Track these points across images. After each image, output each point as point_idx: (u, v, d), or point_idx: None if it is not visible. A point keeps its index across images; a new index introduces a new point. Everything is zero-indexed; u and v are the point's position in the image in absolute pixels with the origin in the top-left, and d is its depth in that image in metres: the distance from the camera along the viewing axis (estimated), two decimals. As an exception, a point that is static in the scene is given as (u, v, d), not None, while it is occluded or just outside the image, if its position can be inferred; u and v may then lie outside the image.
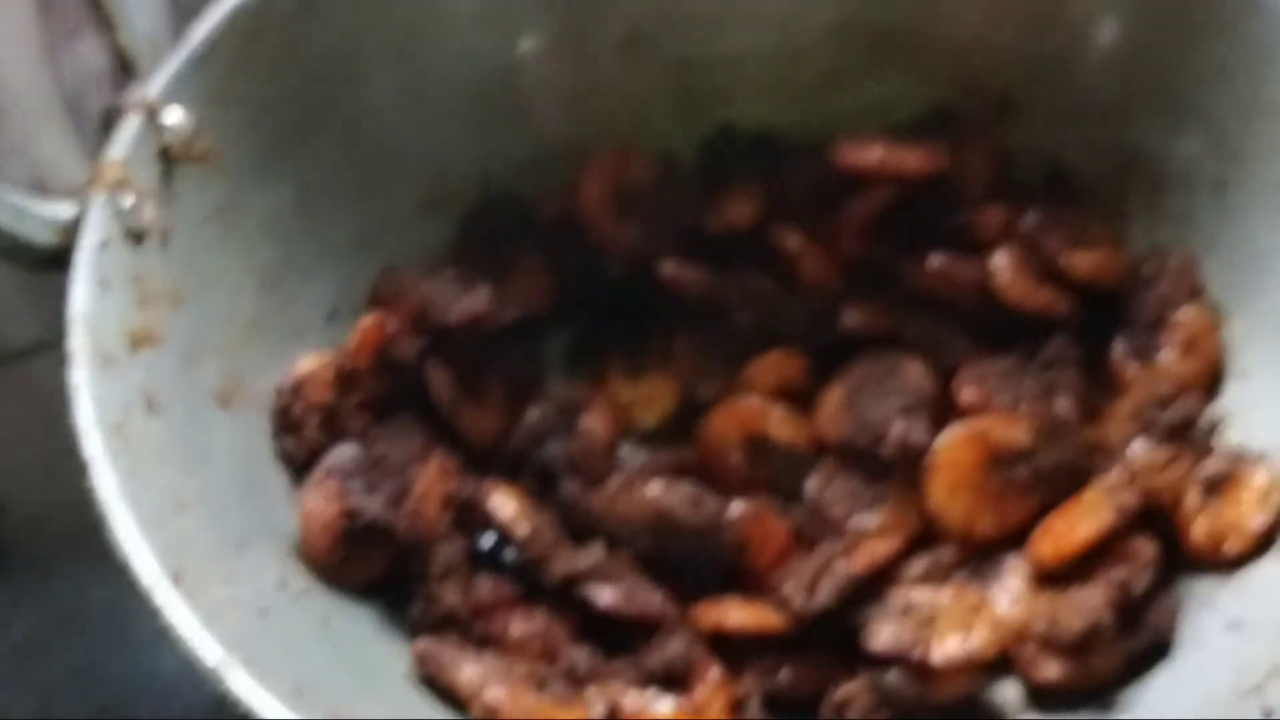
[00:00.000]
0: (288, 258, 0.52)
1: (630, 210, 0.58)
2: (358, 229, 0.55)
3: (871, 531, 0.49)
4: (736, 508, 0.49)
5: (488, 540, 0.48)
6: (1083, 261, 0.53)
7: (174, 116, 0.48)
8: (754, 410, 0.53)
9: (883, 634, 0.44)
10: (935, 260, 0.54)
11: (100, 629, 0.56)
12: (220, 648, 0.36)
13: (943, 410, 0.52)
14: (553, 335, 0.58)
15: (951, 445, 0.49)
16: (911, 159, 0.54)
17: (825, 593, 0.46)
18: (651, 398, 0.57)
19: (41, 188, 0.57)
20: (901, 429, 0.50)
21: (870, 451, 0.51)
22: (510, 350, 0.56)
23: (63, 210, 0.44)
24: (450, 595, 0.46)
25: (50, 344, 0.68)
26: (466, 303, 0.52)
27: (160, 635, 0.55)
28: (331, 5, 0.53)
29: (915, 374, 0.52)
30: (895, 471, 0.50)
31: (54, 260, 0.44)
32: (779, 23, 0.59)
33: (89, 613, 0.57)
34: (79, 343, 0.41)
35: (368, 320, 0.50)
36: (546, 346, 0.58)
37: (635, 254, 0.57)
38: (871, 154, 0.54)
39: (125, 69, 0.48)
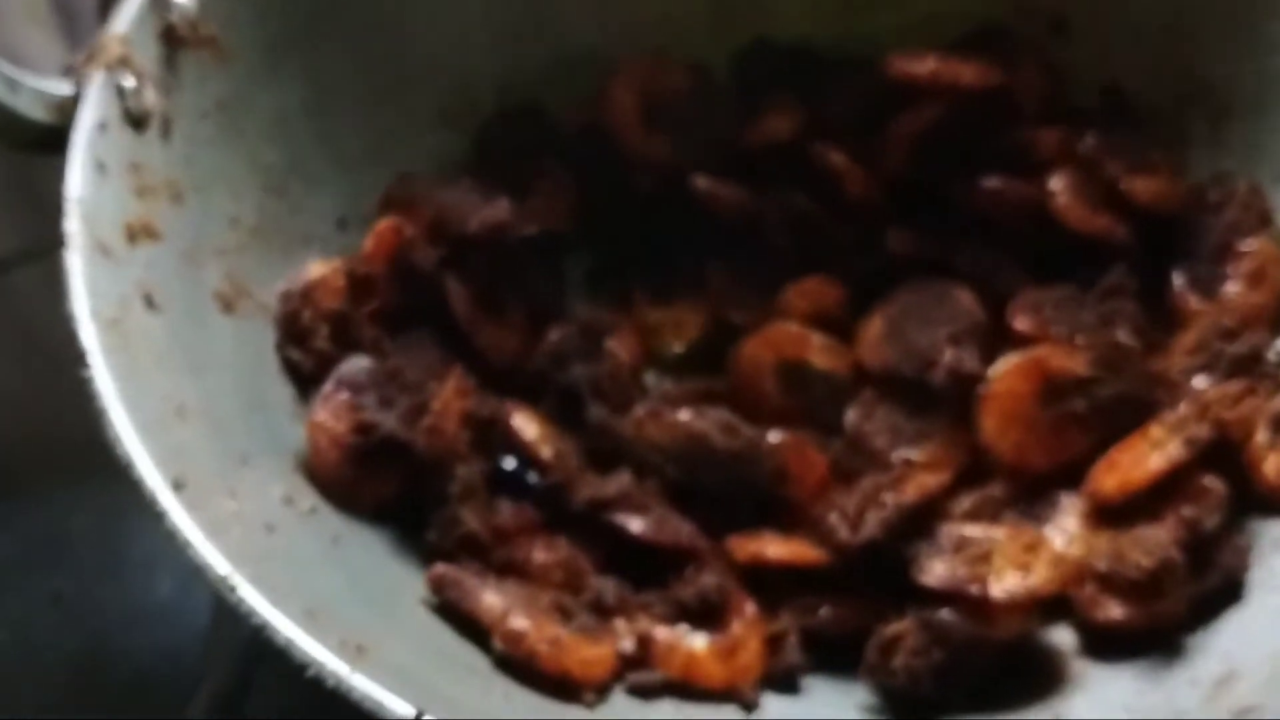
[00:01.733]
0: (294, 161, 0.49)
1: (661, 122, 0.55)
2: (370, 136, 0.52)
3: (919, 464, 0.46)
4: (775, 436, 0.46)
5: (509, 463, 0.45)
6: (1144, 186, 0.50)
7: (180, -5, 0.44)
8: (791, 336, 0.50)
9: (936, 569, 0.41)
10: (990, 181, 0.50)
11: (84, 556, 0.53)
12: (227, 561, 0.33)
13: (995, 340, 0.49)
14: (576, 255, 0.55)
15: (1006, 374, 0.46)
16: (967, 72, 0.51)
17: (872, 525, 0.43)
18: (680, 322, 0.53)
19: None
20: (953, 356, 0.47)
21: (917, 380, 0.48)
22: (531, 267, 0.52)
23: (59, 87, 0.40)
24: (470, 518, 0.42)
25: (29, 254, 0.65)
26: (487, 212, 0.49)
27: (150, 562, 0.53)
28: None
29: (966, 301, 0.49)
30: (943, 402, 0.47)
31: (47, 141, 0.40)
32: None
33: (72, 539, 0.54)
34: (75, 227, 0.38)
35: (384, 223, 0.47)
36: (569, 266, 0.55)
37: (665, 169, 0.54)
38: (924, 65, 0.51)
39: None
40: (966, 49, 0.54)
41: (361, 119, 0.51)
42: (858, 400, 0.49)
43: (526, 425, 0.45)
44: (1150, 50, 0.54)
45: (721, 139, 0.55)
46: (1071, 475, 0.46)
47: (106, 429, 0.35)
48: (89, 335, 0.36)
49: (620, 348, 0.51)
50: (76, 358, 0.36)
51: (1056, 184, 0.50)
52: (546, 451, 0.45)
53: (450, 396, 0.44)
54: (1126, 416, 0.46)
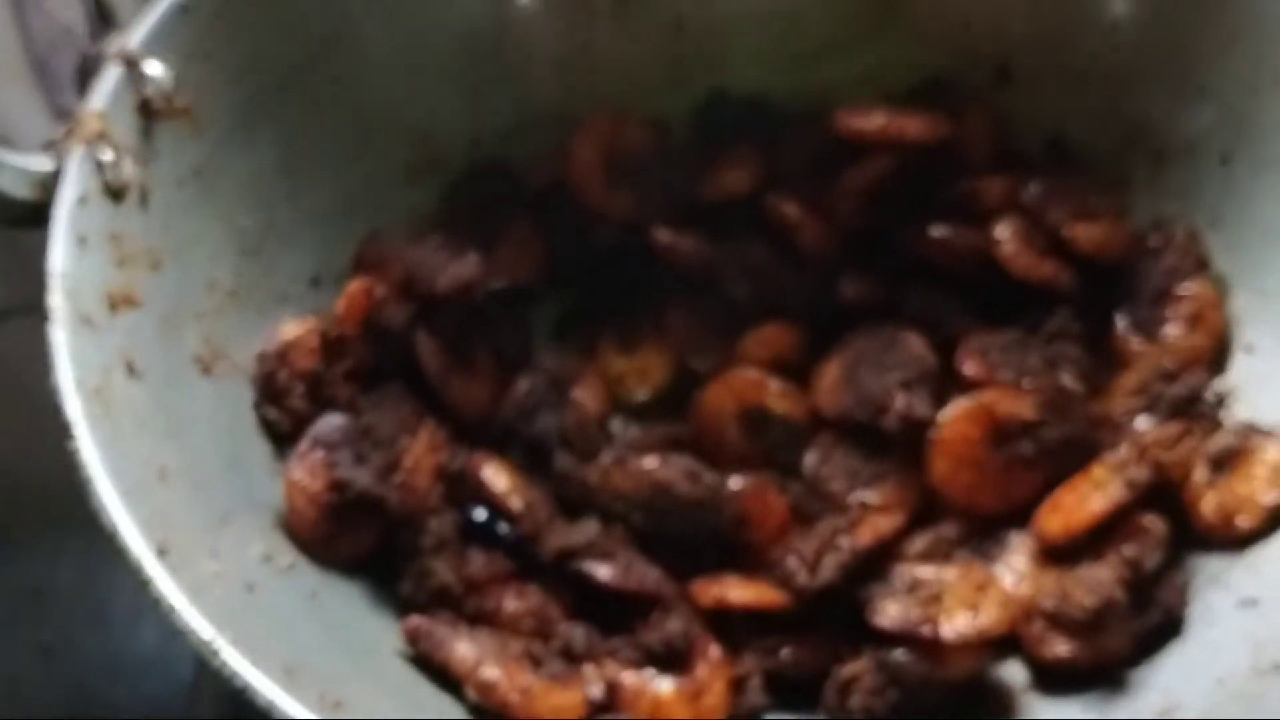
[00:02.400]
0: (269, 223, 0.50)
1: (623, 177, 0.57)
2: (341, 194, 0.53)
3: (874, 507, 0.48)
4: (736, 481, 0.48)
5: (480, 514, 0.46)
6: (1086, 233, 0.52)
7: (154, 69, 0.45)
8: (751, 382, 0.52)
9: (890, 610, 0.43)
10: (937, 229, 0.52)
11: (70, 607, 0.54)
12: (210, 625, 0.34)
13: (944, 384, 0.51)
14: (541, 305, 0.57)
15: (955, 419, 0.48)
16: (913, 125, 0.53)
17: (829, 569, 0.45)
18: (644, 370, 0.55)
19: (6, 145, 0.54)
20: (904, 402, 0.49)
21: (870, 425, 0.50)
22: (498, 320, 0.54)
23: (40, 163, 0.42)
24: (442, 570, 0.44)
25: (15, 310, 0.66)
26: (455, 269, 0.50)
27: (134, 613, 0.54)
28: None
29: (916, 346, 0.51)
30: (896, 446, 0.49)
31: (30, 216, 0.42)
32: (773, -14, 0.58)
33: (58, 590, 0.55)
34: (58, 301, 0.39)
35: (355, 285, 0.49)
36: (535, 316, 0.57)
37: (627, 222, 0.56)
38: (873, 120, 0.53)
39: (103, 19, 0.46)
40: (913, 101, 0.56)
41: (331, 178, 0.53)
42: (815, 444, 0.51)
43: (496, 477, 0.47)
44: (1091, 97, 0.56)
45: (681, 192, 0.56)
46: (1019, 513, 0.48)
47: (91, 498, 0.36)
48: (74, 407, 0.37)
49: (586, 397, 0.53)
50: (61, 424, 0.38)
51: (1002, 232, 0.52)
52: (516, 502, 0.47)
53: (422, 452, 0.46)
54: (1072, 458, 0.48)
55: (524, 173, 0.57)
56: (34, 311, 0.66)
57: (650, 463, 0.48)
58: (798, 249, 0.54)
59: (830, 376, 0.52)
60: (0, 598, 0.55)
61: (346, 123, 0.53)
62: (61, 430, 0.37)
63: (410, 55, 0.54)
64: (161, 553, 0.36)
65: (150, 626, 0.53)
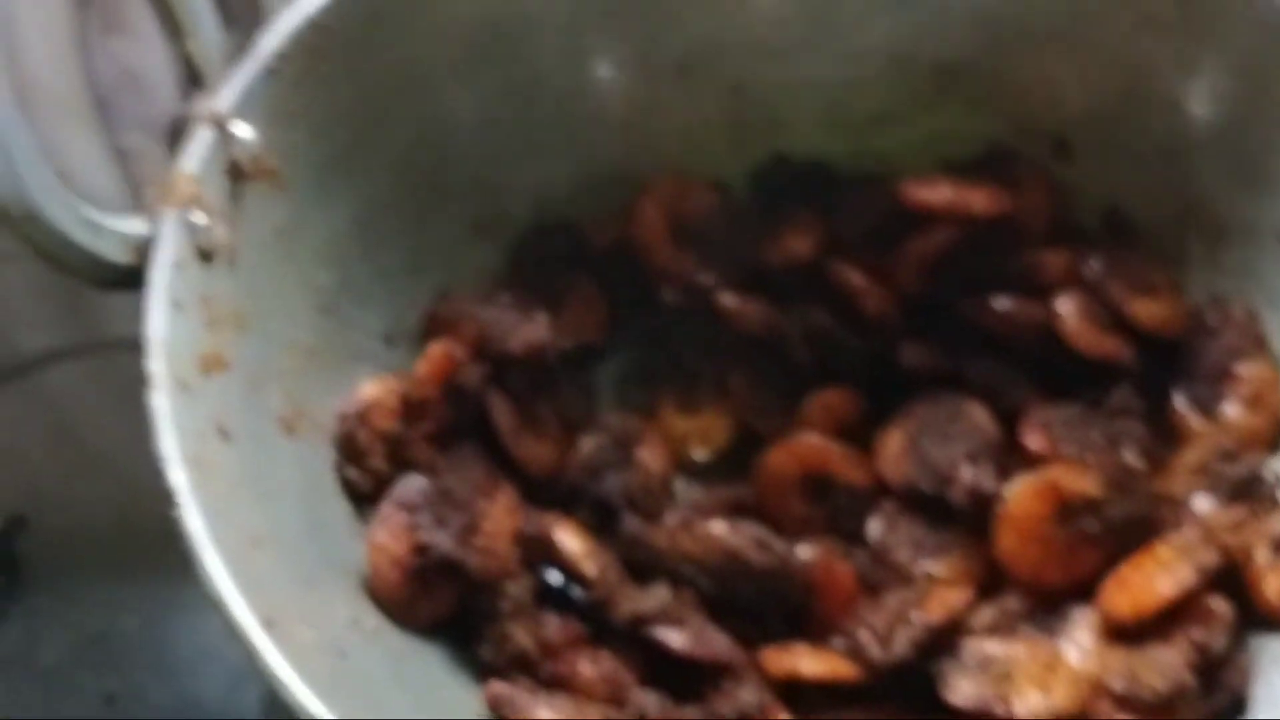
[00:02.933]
0: (344, 281, 0.51)
1: (687, 239, 0.57)
2: (411, 251, 0.54)
3: (941, 579, 0.49)
4: (804, 551, 0.48)
5: (555, 577, 0.47)
6: (1146, 310, 0.53)
7: (244, 131, 0.46)
8: (815, 448, 0.53)
9: (964, 688, 0.44)
10: (1000, 301, 0.53)
11: (133, 655, 0.55)
12: (319, 699, 0.35)
13: (1007, 455, 0.51)
14: (603, 363, 0.57)
15: (1022, 495, 0.49)
16: (978, 200, 0.54)
17: (902, 644, 0.46)
18: (705, 431, 0.56)
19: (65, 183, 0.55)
20: (971, 475, 0.49)
21: (935, 496, 0.50)
22: (562, 378, 0.55)
23: (135, 226, 0.43)
24: (520, 635, 0.45)
25: (65, 352, 0.66)
26: (527, 331, 0.51)
27: (197, 660, 0.55)
28: (399, 21, 0.51)
29: (980, 417, 0.52)
30: (961, 517, 0.50)
31: (124, 279, 0.42)
32: (837, 53, 0.58)
33: (120, 637, 0.55)
34: (158, 367, 0.40)
35: (436, 348, 0.49)
36: (597, 375, 0.57)
37: (691, 284, 0.56)
38: (939, 192, 0.54)
39: (193, 79, 0.47)
40: (975, 172, 0.57)
41: (403, 235, 0.53)
42: (879, 512, 0.52)
43: (570, 540, 0.48)
44: (1149, 173, 0.56)
45: (743, 254, 0.57)
46: (1082, 588, 0.49)
47: (197, 569, 0.37)
48: (178, 476, 0.38)
49: (650, 457, 0.54)
50: (164, 492, 0.38)
51: (1064, 307, 0.52)
52: (590, 567, 0.47)
53: (501, 515, 0.47)
54: (1135, 535, 0.48)
55: (588, 232, 0.58)
56: (84, 354, 0.67)
57: (719, 529, 0.49)
58: (860, 315, 0.55)
59: (894, 445, 0.52)
60: (63, 645, 0.55)
61: (419, 181, 0.54)
62: (164, 498, 0.38)
63: (480, 116, 0.55)
64: (269, 624, 0.36)
65: (215, 673, 0.54)
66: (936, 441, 0.51)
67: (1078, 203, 0.58)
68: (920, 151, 0.58)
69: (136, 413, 0.64)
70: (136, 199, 0.71)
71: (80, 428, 0.64)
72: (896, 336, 0.55)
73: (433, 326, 0.52)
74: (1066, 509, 0.49)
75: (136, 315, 0.64)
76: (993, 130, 0.58)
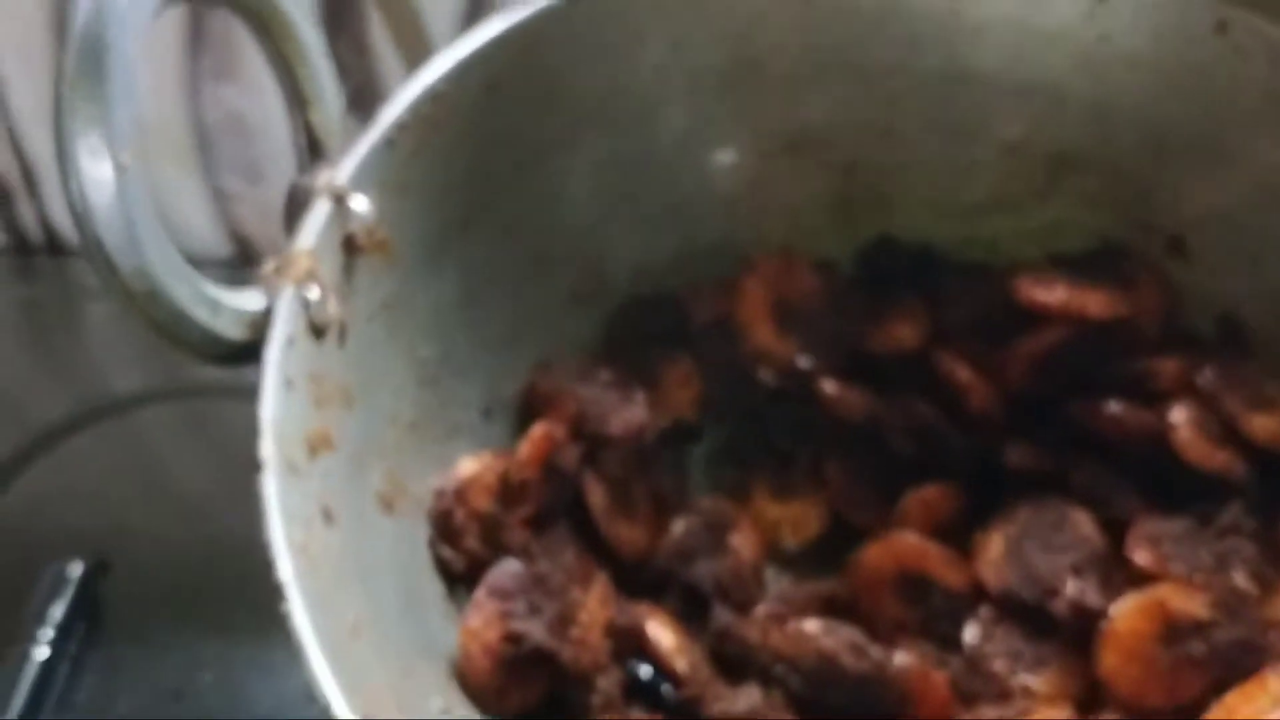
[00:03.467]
0: (446, 353, 0.51)
1: (789, 320, 0.56)
2: (511, 322, 0.53)
3: (1040, 694, 0.47)
4: (900, 658, 0.47)
5: (646, 672, 0.46)
6: (1263, 425, 0.51)
7: (360, 204, 0.46)
8: (913, 548, 0.52)
9: (1063, 813, 0.43)
10: (1112, 406, 0.52)
11: (210, 710, 0.54)
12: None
13: (1112, 566, 0.50)
14: (695, 442, 0.57)
15: (1129, 612, 0.47)
16: (1094, 303, 0.53)
17: (1001, 763, 0.44)
18: (798, 519, 0.55)
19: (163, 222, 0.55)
20: (1075, 589, 0.48)
21: (1036, 606, 0.49)
22: (655, 457, 0.54)
23: (251, 302, 0.42)
24: (617, 735, 0.44)
25: (153, 395, 0.67)
26: (627, 413, 0.51)
27: (274, 716, 0.54)
28: (515, 92, 0.51)
29: (1086, 526, 0.51)
30: (1061, 630, 0.49)
31: (239, 355, 0.42)
32: (949, 135, 0.57)
33: (196, 694, 0.55)
34: (269, 450, 0.39)
35: (539, 430, 0.49)
36: (688, 453, 0.56)
37: (791, 367, 0.56)
38: (1054, 294, 0.53)
39: (313, 149, 0.46)
40: (1087, 267, 0.56)
41: (504, 306, 0.53)
42: (976, 618, 0.50)
43: (663, 635, 0.47)
44: (1267, 279, 0.55)
45: (846, 338, 0.56)
46: (1183, 712, 0.47)
47: (302, 665, 0.36)
48: (286, 569, 0.37)
49: (744, 544, 0.53)
50: (270, 576, 0.38)
51: (1178, 417, 0.51)
52: (681, 664, 0.47)
53: (595, 606, 0.46)
54: (1242, 661, 0.47)
55: (687, 305, 0.57)
56: (170, 396, 0.67)
57: (813, 628, 0.48)
58: (964, 410, 0.54)
59: (994, 549, 0.51)
60: (141, 700, 0.55)
61: (524, 252, 0.53)
62: (275, 590, 0.37)
63: (584, 186, 0.54)
64: (367, 722, 0.36)
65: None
66: (1040, 548, 0.50)
67: (1190, 305, 0.56)
68: (1030, 241, 0.57)
69: (223, 458, 0.65)
70: (230, 238, 0.71)
71: (167, 471, 0.65)
72: (1001, 434, 0.54)
73: (532, 401, 0.52)
74: (1172, 630, 0.47)
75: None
76: (1106, 224, 0.57)
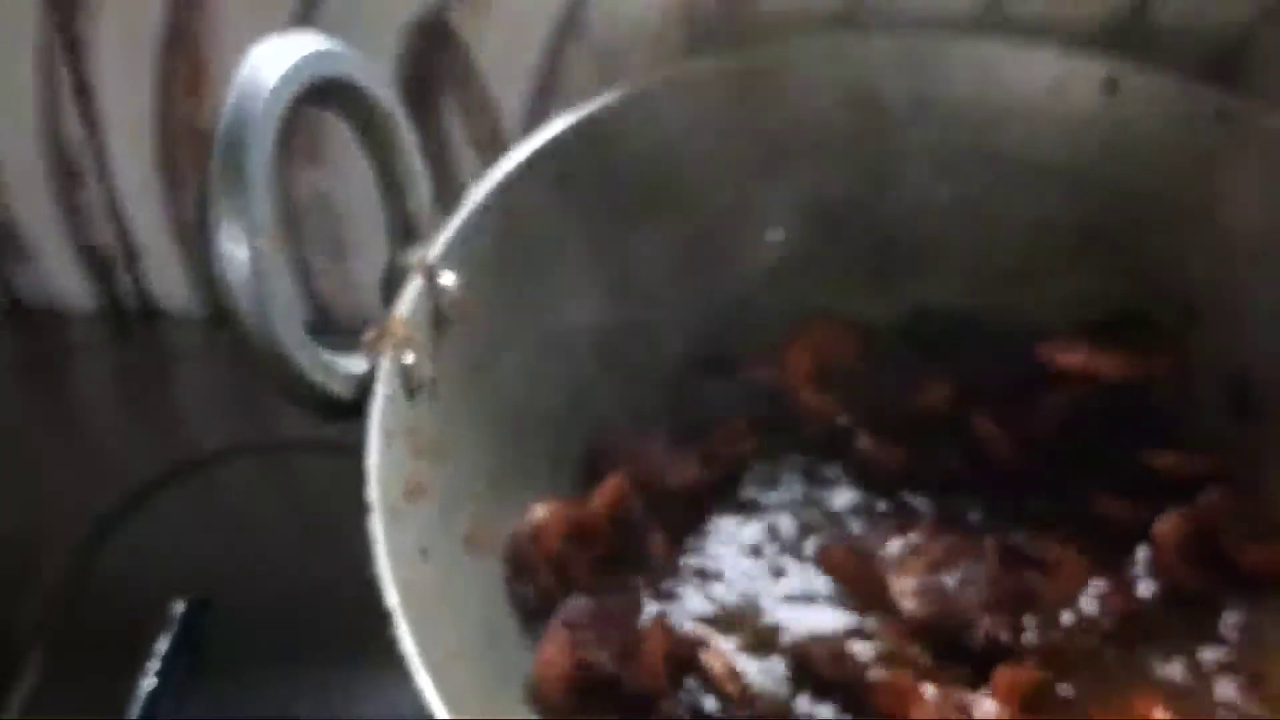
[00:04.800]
0: (521, 414, 0.56)
1: (831, 381, 0.61)
2: (578, 387, 0.58)
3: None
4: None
5: (711, 704, 0.51)
6: (1256, 556, 0.55)
7: (449, 279, 0.51)
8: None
9: None
10: (1102, 500, 0.56)
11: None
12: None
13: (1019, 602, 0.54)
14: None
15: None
16: (1108, 364, 0.58)
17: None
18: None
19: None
20: (990, 624, 0.53)
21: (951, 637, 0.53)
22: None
23: (356, 365, 0.48)
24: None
25: (241, 448, 0.72)
26: (683, 469, 0.56)
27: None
28: (581, 181, 0.57)
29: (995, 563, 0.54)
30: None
31: (345, 411, 0.47)
32: (980, 213, 0.62)
33: (297, 720, 0.60)
34: (375, 494, 0.45)
35: (612, 482, 0.54)
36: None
37: (832, 423, 0.61)
38: (1075, 357, 0.58)
39: (407, 232, 0.52)
40: (1108, 333, 0.61)
41: (574, 372, 0.58)
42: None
43: (714, 661, 0.52)
44: (1275, 342, 0.59)
45: (884, 398, 0.61)
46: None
47: (412, 684, 0.41)
48: (393, 597, 0.43)
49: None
50: (380, 610, 0.43)
51: (1163, 530, 0.55)
52: (732, 687, 0.51)
53: (657, 637, 0.51)
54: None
55: (740, 369, 0.62)
56: (258, 451, 0.72)
57: None
58: (990, 461, 0.59)
59: (908, 580, 0.55)
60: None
61: (591, 324, 0.59)
62: (383, 617, 0.42)
63: (651, 264, 0.60)
64: (468, 736, 0.41)
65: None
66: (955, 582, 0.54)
67: (1203, 370, 0.61)
68: (1056, 310, 0.62)
69: (305, 508, 0.70)
70: (312, 308, 0.77)
71: (255, 521, 0.70)
72: (1022, 486, 0.58)
73: (598, 459, 0.57)
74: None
75: (303, 418, 0.70)
76: (1125, 293, 0.62)
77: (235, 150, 0.43)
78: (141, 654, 0.60)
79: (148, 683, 0.59)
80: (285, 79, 0.44)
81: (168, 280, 0.77)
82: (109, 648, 0.62)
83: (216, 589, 0.64)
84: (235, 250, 0.43)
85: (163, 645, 0.60)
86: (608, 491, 0.53)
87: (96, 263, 0.77)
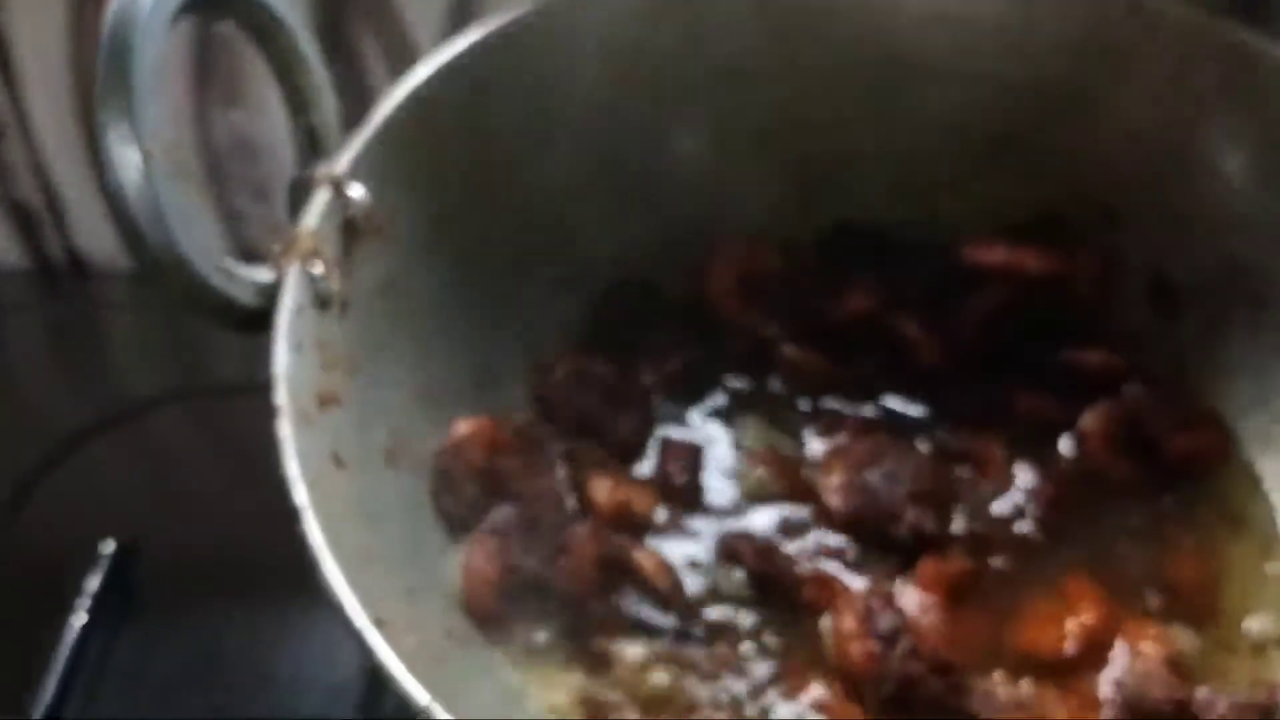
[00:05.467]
0: (442, 330, 0.55)
1: (754, 296, 0.61)
2: (502, 305, 0.58)
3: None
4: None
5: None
6: (1182, 445, 0.56)
7: (357, 191, 0.51)
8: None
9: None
10: (1025, 398, 0.57)
11: (238, 671, 0.59)
12: (426, 691, 0.39)
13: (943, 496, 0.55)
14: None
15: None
16: (1032, 260, 0.58)
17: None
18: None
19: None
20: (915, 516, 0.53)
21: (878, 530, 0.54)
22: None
23: (262, 275, 0.48)
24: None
25: (171, 395, 0.72)
26: (626, 423, 0.57)
27: (296, 679, 0.59)
28: (495, 94, 0.56)
29: (922, 459, 0.56)
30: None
31: (253, 322, 0.47)
32: (896, 126, 0.63)
33: (226, 656, 0.60)
34: (283, 400, 0.44)
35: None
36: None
37: (757, 336, 0.61)
38: (996, 254, 0.58)
39: (312, 146, 0.52)
40: (1027, 235, 0.61)
41: (495, 289, 0.58)
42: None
43: (645, 559, 0.52)
44: (1192, 239, 0.60)
45: (807, 310, 0.61)
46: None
47: (319, 576, 0.41)
48: (300, 494, 0.42)
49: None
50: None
51: (1089, 424, 0.56)
52: (664, 583, 0.51)
53: (586, 541, 0.51)
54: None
55: (663, 288, 0.62)
56: (184, 398, 0.71)
57: None
58: (915, 365, 0.59)
59: (835, 477, 0.56)
60: (173, 663, 0.59)
61: (510, 240, 0.58)
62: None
63: (569, 181, 0.59)
64: (380, 624, 0.41)
65: (311, 690, 0.58)
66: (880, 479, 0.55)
67: (1125, 267, 0.61)
68: (976, 217, 0.62)
69: (232, 453, 0.70)
70: (243, 256, 0.77)
71: (183, 466, 0.70)
72: (948, 387, 0.59)
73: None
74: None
75: (231, 363, 0.70)
76: (1045, 197, 0.62)
77: (121, 52, 0.42)
78: (66, 600, 0.59)
79: (78, 618, 0.59)
80: (172, -21, 0.43)
81: (94, 234, 0.76)
82: (38, 594, 0.61)
83: (146, 534, 0.63)
84: (125, 153, 0.42)
85: (93, 584, 0.60)
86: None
87: (22, 219, 0.76)
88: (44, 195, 0.75)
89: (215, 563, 0.63)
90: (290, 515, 0.42)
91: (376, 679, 0.50)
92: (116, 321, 0.77)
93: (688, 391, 0.60)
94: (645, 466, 0.57)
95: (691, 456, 0.57)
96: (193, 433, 0.70)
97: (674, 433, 0.58)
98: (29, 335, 0.77)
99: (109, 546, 0.61)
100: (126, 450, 0.69)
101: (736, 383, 0.60)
